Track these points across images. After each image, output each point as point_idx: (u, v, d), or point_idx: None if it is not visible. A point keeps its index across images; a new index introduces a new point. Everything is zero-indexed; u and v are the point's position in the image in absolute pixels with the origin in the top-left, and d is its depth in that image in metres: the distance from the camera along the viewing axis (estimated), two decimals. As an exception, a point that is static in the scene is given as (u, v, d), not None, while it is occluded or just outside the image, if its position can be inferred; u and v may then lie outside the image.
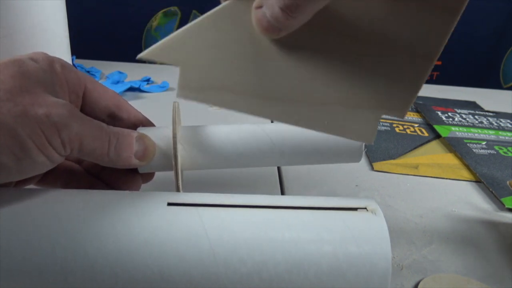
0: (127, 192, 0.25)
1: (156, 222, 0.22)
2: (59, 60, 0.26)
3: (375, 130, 0.23)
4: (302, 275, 0.22)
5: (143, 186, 0.30)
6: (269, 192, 0.38)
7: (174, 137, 0.26)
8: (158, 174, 0.30)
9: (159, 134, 0.27)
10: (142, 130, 0.28)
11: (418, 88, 0.23)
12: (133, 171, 0.28)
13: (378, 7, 0.22)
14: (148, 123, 0.30)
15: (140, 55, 0.21)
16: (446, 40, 0.22)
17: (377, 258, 0.22)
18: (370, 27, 0.22)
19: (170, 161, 0.27)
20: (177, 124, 0.27)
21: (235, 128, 0.29)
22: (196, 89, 0.22)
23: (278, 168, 0.42)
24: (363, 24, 0.22)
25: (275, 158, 0.29)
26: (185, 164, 0.28)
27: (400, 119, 0.39)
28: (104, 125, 0.25)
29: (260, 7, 0.22)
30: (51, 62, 0.25)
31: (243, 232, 0.22)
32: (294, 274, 0.22)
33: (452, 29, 0.22)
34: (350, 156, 0.30)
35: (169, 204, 0.23)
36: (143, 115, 0.30)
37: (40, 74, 0.23)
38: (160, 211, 0.23)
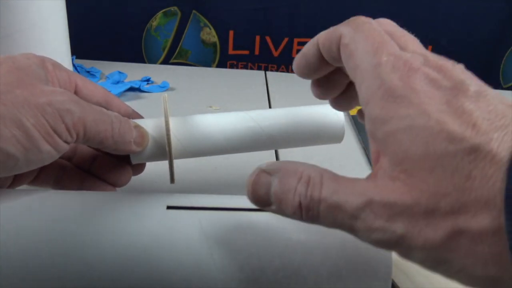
0: (126, 193, 0.25)
1: (155, 227, 0.22)
2: (49, 59, 0.26)
3: None
4: (301, 282, 0.21)
5: (142, 183, 0.30)
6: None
7: (167, 123, 0.27)
8: (151, 171, 0.30)
9: (150, 125, 0.28)
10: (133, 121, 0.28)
11: None
12: (124, 163, 0.29)
13: None
14: (137, 117, 0.31)
15: None
16: None
17: (378, 264, 0.22)
18: None
19: (161, 150, 0.28)
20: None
21: (223, 116, 0.30)
22: None
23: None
24: None
25: (263, 141, 0.30)
26: (176, 152, 0.28)
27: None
28: (104, 109, 0.25)
29: None
30: (42, 60, 0.25)
31: (242, 238, 0.22)
32: (293, 280, 0.21)
33: None
34: (332, 137, 0.31)
35: (169, 207, 0.23)
36: (132, 110, 0.31)
37: (34, 69, 0.24)
38: (159, 215, 0.23)
